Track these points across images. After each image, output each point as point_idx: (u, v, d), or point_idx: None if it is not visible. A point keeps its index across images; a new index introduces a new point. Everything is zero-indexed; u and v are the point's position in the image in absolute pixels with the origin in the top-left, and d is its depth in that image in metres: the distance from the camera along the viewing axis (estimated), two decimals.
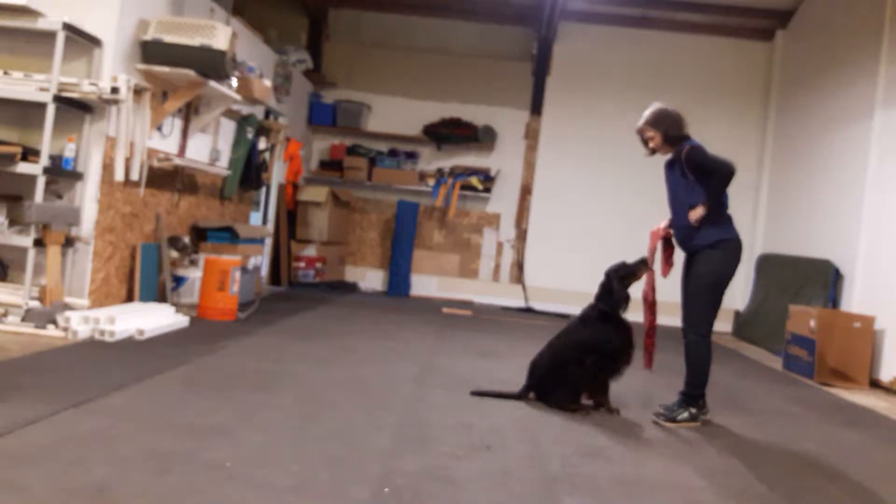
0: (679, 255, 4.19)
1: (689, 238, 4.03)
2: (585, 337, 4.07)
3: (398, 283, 9.38)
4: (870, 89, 6.74)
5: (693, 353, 4.01)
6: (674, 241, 4.22)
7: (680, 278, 4.16)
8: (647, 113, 4.15)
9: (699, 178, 3.95)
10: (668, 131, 4.06)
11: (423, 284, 9.62)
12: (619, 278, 4.12)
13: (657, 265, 4.15)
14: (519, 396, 4.13)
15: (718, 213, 3.97)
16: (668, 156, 4.16)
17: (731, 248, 3.98)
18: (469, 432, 3.35)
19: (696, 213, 3.93)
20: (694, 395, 4.00)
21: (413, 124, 9.77)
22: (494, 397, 4.13)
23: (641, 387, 4.75)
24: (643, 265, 4.17)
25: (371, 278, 9.80)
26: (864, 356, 5.99)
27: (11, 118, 4.96)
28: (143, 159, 5.30)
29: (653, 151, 4.18)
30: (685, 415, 3.96)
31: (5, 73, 4.76)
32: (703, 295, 3.98)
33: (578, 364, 3.99)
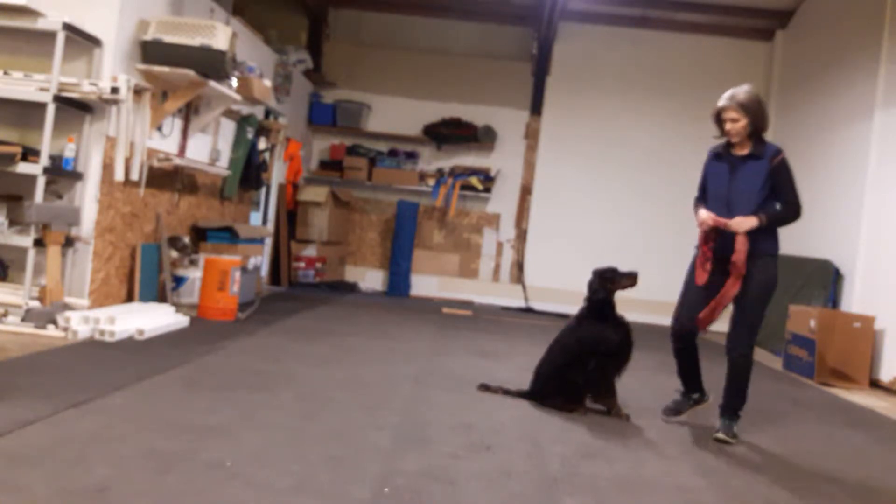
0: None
1: (751, 241, 3.65)
2: (582, 336, 4.04)
3: (398, 283, 9.38)
4: (870, 89, 6.74)
5: (742, 371, 3.76)
6: (716, 240, 3.75)
7: (691, 281, 3.86)
8: (742, 95, 3.69)
9: (776, 191, 3.69)
10: (758, 123, 3.70)
11: (423, 284, 9.62)
12: (600, 278, 4.05)
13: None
14: (524, 396, 4.12)
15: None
16: (724, 145, 3.82)
17: (777, 261, 3.80)
18: (469, 432, 3.35)
19: (749, 223, 3.62)
20: (741, 407, 3.82)
21: (413, 124, 9.77)
22: (499, 393, 4.15)
23: (641, 388, 4.75)
24: (629, 279, 4.05)
25: (371, 278, 9.80)
26: (864, 356, 5.99)
27: (11, 118, 4.96)
28: (143, 159, 5.30)
29: (722, 134, 3.78)
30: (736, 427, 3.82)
31: (5, 73, 4.76)
32: (759, 304, 3.71)
33: (578, 365, 3.98)
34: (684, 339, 3.92)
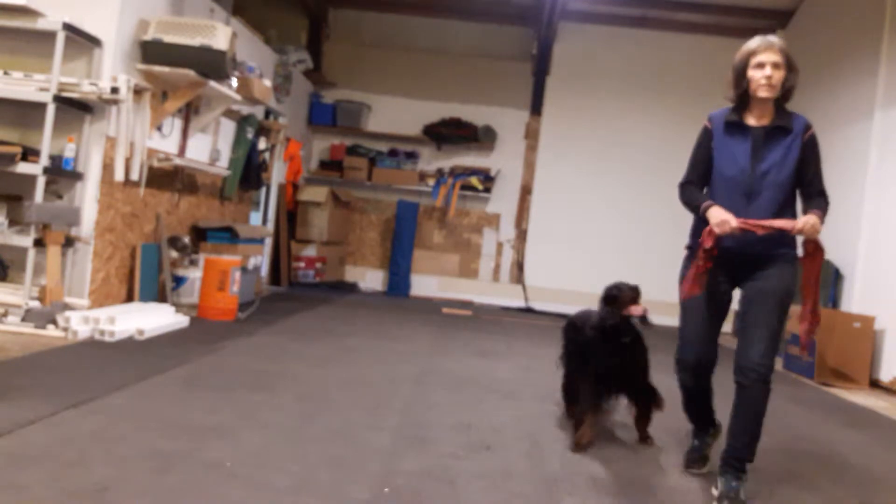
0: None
1: (775, 238, 2.83)
2: (588, 338, 3.56)
3: (398, 282, 9.38)
4: (870, 89, 6.74)
5: (759, 403, 2.75)
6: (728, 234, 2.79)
7: (708, 291, 3.05)
8: (780, 41, 2.81)
9: (803, 175, 2.94)
10: (794, 82, 2.84)
11: (423, 284, 9.62)
12: (604, 300, 3.42)
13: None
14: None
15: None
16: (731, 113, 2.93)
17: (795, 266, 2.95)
18: (469, 432, 3.35)
19: (817, 223, 2.82)
20: (750, 460, 2.81)
21: (413, 124, 9.77)
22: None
23: None
24: (630, 292, 3.40)
25: (371, 278, 9.80)
26: (864, 356, 5.99)
27: (11, 118, 4.96)
28: (143, 159, 5.30)
29: (740, 97, 2.86)
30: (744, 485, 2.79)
31: (5, 73, 4.76)
32: (781, 309, 2.85)
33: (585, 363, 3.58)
34: (702, 372, 3.01)
